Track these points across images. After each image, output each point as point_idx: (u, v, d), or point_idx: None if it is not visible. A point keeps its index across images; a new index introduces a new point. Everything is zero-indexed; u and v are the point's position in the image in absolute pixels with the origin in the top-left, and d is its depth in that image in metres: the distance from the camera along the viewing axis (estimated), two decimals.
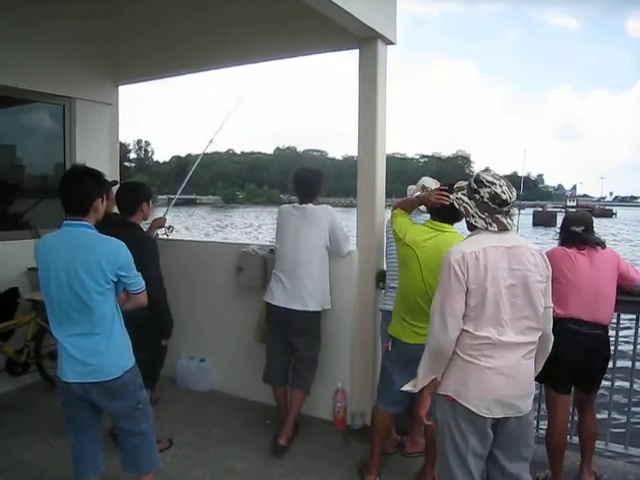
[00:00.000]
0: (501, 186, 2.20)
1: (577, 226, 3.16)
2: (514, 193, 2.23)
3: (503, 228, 2.22)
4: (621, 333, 3.52)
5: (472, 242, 2.24)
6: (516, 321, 2.17)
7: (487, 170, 2.30)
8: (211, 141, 4.97)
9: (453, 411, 2.23)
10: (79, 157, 4.89)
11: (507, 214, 2.25)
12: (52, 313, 2.46)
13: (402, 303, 3.02)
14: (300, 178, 3.76)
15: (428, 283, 2.84)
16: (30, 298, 4.26)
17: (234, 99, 4.98)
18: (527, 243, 2.28)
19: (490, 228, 2.22)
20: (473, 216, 2.26)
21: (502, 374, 2.16)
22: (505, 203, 2.20)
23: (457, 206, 2.33)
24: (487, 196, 2.21)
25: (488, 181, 2.22)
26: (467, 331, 2.17)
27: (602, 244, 3.15)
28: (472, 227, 2.32)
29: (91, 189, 2.50)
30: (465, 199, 2.30)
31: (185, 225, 35.61)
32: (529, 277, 2.18)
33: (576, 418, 3.40)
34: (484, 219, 2.23)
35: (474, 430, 2.20)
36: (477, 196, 2.24)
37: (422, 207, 3.52)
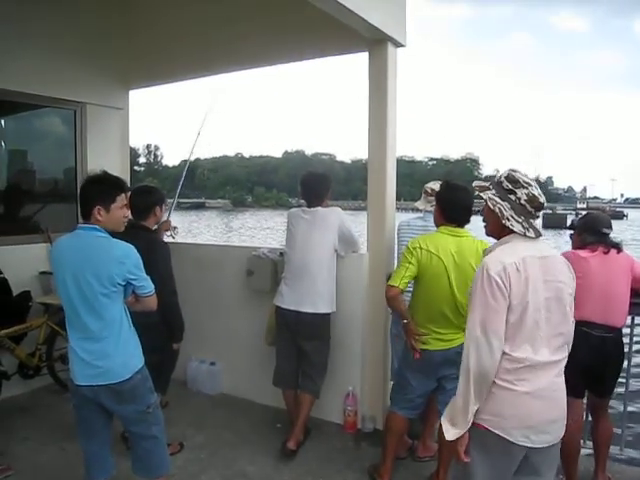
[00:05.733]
0: (536, 188, 2.00)
1: (609, 228, 3.13)
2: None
3: (539, 235, 2.02)
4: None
5: (509, 251, 1.98)
6: (551, 338, 1.96)
7: (515, 170, 2.05)
8: (199, 133, 4.94)
9: (486, 441, 1.97)
10: (90, 161, 4.93)
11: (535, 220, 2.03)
12: (67, 315, 2.49)
13: (425, 313, 3.01)
14: (307, 182, 3.76)
15: (455, 292, 2.89)
16: (42, 301, 4.29)
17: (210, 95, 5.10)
18: (556, 252, 2.11)
19: (528, 234, 1.99)
20: (508, 219, 2.00)
21: (538, 397, 1.93)
22: (541, 207, 2.00)
23: (491, 207, 2.03)
24: (525, 198, 1.98)
25: (525, 182, 2.00)
26: (503, 352, 1.92)
27: (620, 247, 3.11)
28: (498, 232, 2.07)
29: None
30: (498, 200, 2.03)
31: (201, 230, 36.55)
32: (562, 290, 1.99)
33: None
34: (521, 223, 1.99)
35: (509, 459, 1.98)
36: (513, 197, 2.00)
37: (430, 208, 3.53)
